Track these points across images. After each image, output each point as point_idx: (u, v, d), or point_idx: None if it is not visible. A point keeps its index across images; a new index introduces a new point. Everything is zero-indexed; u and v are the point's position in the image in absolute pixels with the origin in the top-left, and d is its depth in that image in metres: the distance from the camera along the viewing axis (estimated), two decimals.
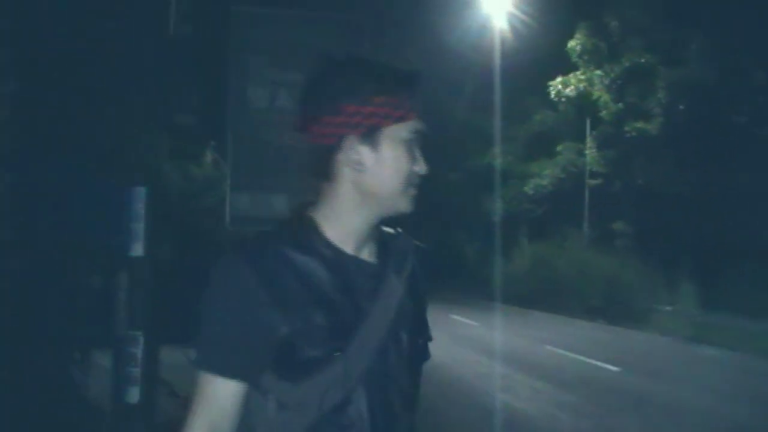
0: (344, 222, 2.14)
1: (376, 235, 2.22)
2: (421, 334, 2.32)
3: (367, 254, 2.19)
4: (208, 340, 2.07)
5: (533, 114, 38.25)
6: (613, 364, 16.83)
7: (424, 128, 2.17)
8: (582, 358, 18.00)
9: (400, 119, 2.11)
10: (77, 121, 4.84)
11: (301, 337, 2.01)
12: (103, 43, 4.88)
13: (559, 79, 32.27)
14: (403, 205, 2.17)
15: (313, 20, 8.05)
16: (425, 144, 2.21)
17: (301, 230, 2.12)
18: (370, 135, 2.08)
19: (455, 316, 28.51)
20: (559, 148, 35.96)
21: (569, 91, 31.78)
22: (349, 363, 2.03)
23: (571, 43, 31.45)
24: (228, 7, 7.38)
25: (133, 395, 4.25)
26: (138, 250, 4.33)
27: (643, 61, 28.64)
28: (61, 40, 4.77)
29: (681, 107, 27.28)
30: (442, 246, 47.53)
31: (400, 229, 2.33)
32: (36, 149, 4.80)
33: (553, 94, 32.60)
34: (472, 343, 20.89)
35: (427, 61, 41.45)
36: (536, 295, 33.14)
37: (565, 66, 32.07)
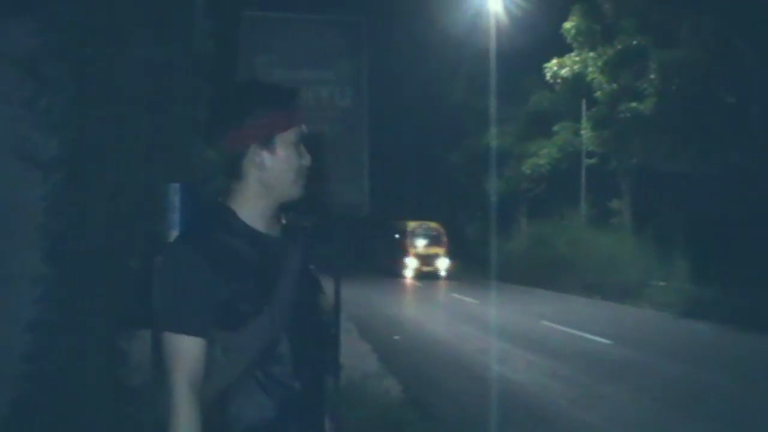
0: (252, 208, 2.85)
1: (278, 217, 2.93)
2: (318, 289, 3.05)
3: (273, 231, 2.91)
4: (174, 308, 2.76)
5: (530, 95, 38.67)
6: (606, 338, 17.48)
7: (305, 130, 2.87)
8: (577, 332, 18.64)
9: (288, 127, 2.82)
10: (121, 128, 5.58)
11: (239, 297, 2.73)
12: (142, 59, 5.62)
13: (554, 60, 32.66)
14: (296, 192, 2.88)
15: (316, 22, 8.71)
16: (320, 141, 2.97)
17: (225, 218, 2.85)
18: (267, 142, 2.81)
19: (456, 295, 29.15)
20: (555, 128, 36.42)
21: (564, 72, 32.13)
22: (273, 313, 2.77)
23: (566, 25, 31.76)
24: (238, 11, 8.04)
25: None
26: (174, 236, 5.11)
27: (635, 42, 29.07)
28: (108, 56, 5.52)
29: (673, 87, 27.72)
30: (442, 226, 48.11)
31: (290, 213, 3.03)
32: (85, 151, 5.54)
33: (548, 75, 33.01)
34: (472, 320, 21.50)
35: (424, 46, 42.02)
36: (535, 272, 33.66)
37: (562, 47, 32.48)
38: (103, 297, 5.57)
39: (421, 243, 44.36)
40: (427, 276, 41.59)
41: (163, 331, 2.73)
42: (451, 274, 41.88)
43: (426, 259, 43.47)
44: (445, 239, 44.51)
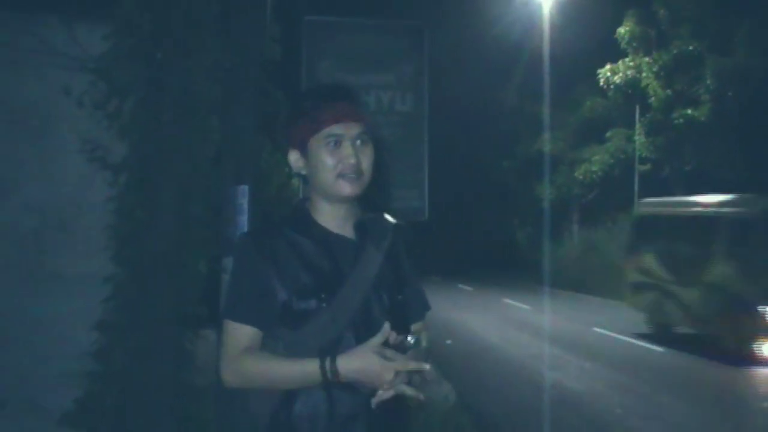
0: (322, 209, 2.93)
1: (356, 218, 2.97)
2: (400, 293, 3.00)
3: (348, 232, 2.95)
4: (229, 296, 2.94)
5: (583, 101, 38.46)
6: (660, 346, 17.33)
7: (339, 130, 2.83)
8: (630, 339, 18.48)
9: (316, 131, 2.84)
10: (190, 131, 5.66)
11: (294, 295, 2.79)
12: (211, 63, 5.70)
13: (608, 66, 32.49)
14: (344, 190, 2.86)
15: (378, 27, 8.75)
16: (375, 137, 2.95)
17: (298, 216, 2.95)
18: (301, 148, 2.89)
19: (508, 300, 29.02)
20: (608, 134, 36.18)
21: (618, 78, 31.96)
22: (333, 313, 2.80)
23: (620, 30, 31.68)
24: (301, 17, 8.13)
25: None
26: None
27: (690, 48, 28.90)
28: (178, 60, 5.61)
29: (729, 94, 27.52)
30: (494, 231, 47.87)
31: (383, 213, 3.08)
32: (154, 154, 5.63)
33: (602, 81, 32.83)
34: (524, 326, 21.43)
35: (478, 51, 41.96)
36: (586, 279, 33.40)
37: (615, 53, 32.32)
38: (170, 298, 5.67)
39: None
40: None
41: (221, 317, 2.90)
42: (503, 281, 38.36)
43: None
44: None
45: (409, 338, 2.80)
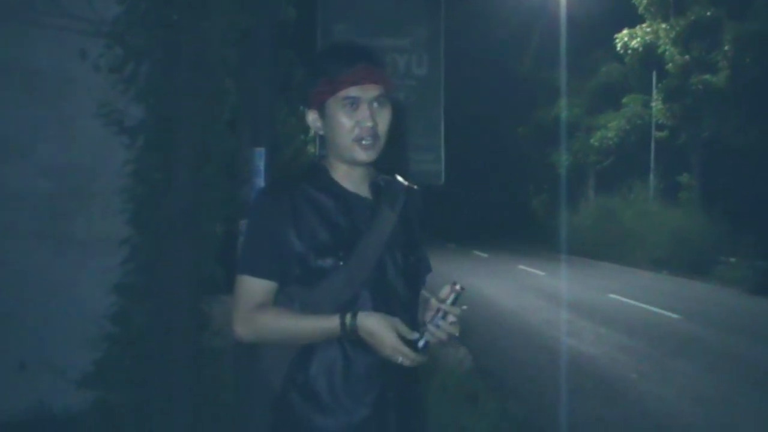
0: (338, 169, 2.92)
1: (371, 179, 2.98)
2: (413, 254, 3.01)
3: (363, 192, 2.95)
4: (247, 252, 2.89)
5: (600, 66, 38.24)
6: (675, 313, 17.32)
7: (357, 92, 2.78)
8: (645, 306, 18.47)
9: (334, 92, 2.80)
10: (205, 94, 5.66)
11: (311, 251, 2.78)
12: (227, 26, 5.69)
13: (625, 31, 32.30)
14: (359, 156, 2.86)
15: None
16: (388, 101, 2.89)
17: (317, 173, 2.93)
18: (319, 108, 2.87)
19: (523, 267, 29.02)
20: (624, 100, 36.01)
21: (635, 43, 31.78)
22: (350, 271, 2.80)
23: None
24: None
25: None
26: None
27: (709, 14, 28.68)
28: (193, 23, 5.59)
29: (747, 60, 27.32)
30: (509, 198, 47.81)
31: (397, 176, 3.08)
32: (170, 117, 5.63)
33: (619, 46, 32.64)
34: (539, 292, 21.42)
35: (495, 16, 41.71)
36: (602, 246, 33.34)
37: (632, 18, 32.10)
38: (186, 261, 5.68)
39: None
40: None
41: (237, 271, 2.84)
42: (518, 247, 39.07)
43: None
44: None
45: (458, 286, 2.80)
